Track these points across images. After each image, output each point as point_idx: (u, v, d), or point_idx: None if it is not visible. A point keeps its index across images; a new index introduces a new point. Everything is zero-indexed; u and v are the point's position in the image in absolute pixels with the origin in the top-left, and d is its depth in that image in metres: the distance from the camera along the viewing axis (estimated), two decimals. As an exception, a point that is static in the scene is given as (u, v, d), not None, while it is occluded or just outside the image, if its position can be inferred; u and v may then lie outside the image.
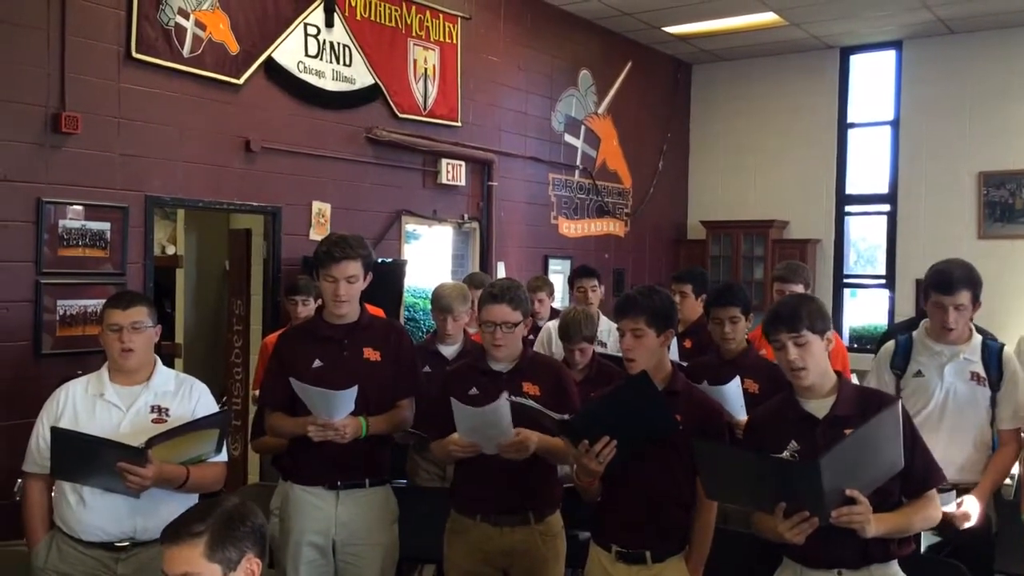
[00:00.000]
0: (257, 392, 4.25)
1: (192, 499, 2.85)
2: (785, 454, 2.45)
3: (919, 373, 3.36)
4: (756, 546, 3.00)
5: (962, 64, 8.42)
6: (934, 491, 2.48)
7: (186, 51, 5.04)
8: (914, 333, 3.47)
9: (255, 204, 5.56)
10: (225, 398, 5.92)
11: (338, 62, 5.94)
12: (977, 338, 3.37)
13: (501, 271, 7.22)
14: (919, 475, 2.44)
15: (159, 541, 1.99)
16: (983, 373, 3.30)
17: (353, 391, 2.95)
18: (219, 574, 1.92)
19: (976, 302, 3.29)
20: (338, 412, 2.98)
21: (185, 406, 2.91)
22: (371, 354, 3.20)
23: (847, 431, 2.39)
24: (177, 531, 1.95)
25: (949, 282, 3.24)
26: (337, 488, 3.16)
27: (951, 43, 8.47)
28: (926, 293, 3.36)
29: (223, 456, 2.95)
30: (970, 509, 3.15)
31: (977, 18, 7.97)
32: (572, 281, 5.36)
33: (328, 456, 3.09)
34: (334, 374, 3.08)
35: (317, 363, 3.16)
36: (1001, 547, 3.23)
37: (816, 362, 2.50)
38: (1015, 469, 4.37)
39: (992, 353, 3.32)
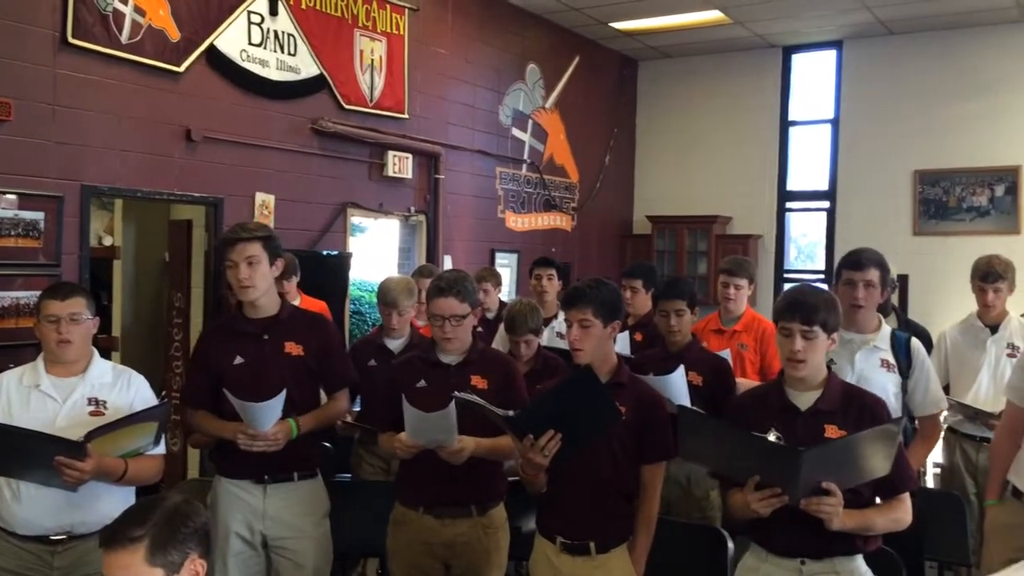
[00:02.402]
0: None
1: (130, 492, 2.81)
2: (772, 437, 2.48)
3: (831, 361, 3.45)
4: (706, 536, 3.05)
5: (900, 64, 8.63)
6: (907, 495, 2.52)
7: (124, 37, 4.92)
8: None
9: (196, 195, 5.45)
10: (165, 392, 5.81)
11: (282, 51, 5.86)
12: (886, 328, 3.50)
13: (448, 264, 7.19)
14: (894, 478, 2.46)
15: (98, 544, 1.91)
16: (892, 360, 3.41)
17: (280, 399, 2.90)
18: None
19: (885, 286, 3.43)
20: (267, 422, 2.94)
21: (123, 398, 2.86)
22: (292, 348, 3.14)
23: (827, 426, 2.45)
24: (115, 536, 1.85)
25: (859, 260, 3.42)
26: (264, 482, 3.11)
27: (890, 44, 8.67)
28: (838, 274, 3.51)
29: (161, 449, 2.91)
30: None
31: (915, 20, 8.17)
32: (531, 270, 5.48)
33: (256, 451, 3.03)
34: (255, 371, 3.04)
35: (238, 359, 3.10)
36: (929, 535, 3.32)
37: (815, 358, 2.54)
38: (956, 459, 4.47)
39: (901, 342, 3.45)
